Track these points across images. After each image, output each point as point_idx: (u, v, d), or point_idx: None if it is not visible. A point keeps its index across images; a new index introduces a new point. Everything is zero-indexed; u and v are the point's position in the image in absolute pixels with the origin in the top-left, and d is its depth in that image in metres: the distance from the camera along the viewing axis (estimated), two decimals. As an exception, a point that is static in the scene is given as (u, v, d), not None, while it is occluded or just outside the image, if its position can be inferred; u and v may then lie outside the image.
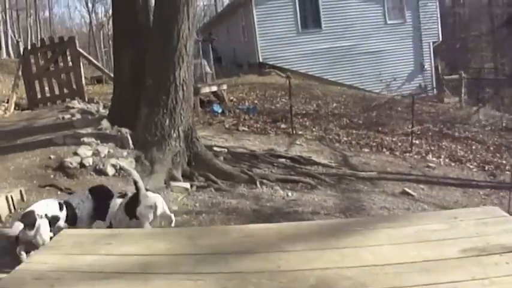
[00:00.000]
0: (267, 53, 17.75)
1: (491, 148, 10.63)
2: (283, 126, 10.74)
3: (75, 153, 5.74)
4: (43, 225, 3.24)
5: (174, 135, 5.98)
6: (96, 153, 5.77)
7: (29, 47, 10.70)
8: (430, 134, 11.34)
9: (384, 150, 9.59)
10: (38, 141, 6.55)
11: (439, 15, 19.27)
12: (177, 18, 5.87)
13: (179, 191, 5.34)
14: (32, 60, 10.28)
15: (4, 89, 15.64)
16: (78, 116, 7.73)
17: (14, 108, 10.11)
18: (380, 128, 11.50)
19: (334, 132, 10.77)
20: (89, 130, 6.64)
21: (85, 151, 5.80)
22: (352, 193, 6.17)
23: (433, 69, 19.46)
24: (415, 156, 9.33)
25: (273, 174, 6.49)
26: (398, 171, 7.79)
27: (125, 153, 5.83)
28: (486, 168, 8.91)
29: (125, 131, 6.59)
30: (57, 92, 10.35)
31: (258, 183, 5.86)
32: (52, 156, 5.77)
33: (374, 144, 9.96)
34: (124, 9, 6.80)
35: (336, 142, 9.92)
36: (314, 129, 10.91)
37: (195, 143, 6.24)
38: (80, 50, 10.23)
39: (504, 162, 9.43)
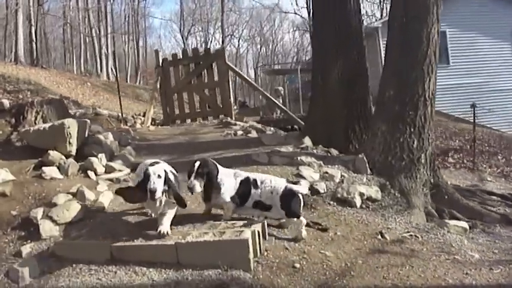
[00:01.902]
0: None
1: None
2: (450, 160, 9.60)
3: (298, 175, 4.55)
4: None
5: (423, 160, 4.68)
6: (326, 177, 4.54)
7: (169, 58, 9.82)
8: None
9: None
10: (230, 157, 5.42)
11: None
12: (427, 19, 4.79)
13: (458, 232, 3.98)
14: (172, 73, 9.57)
15: (116, 107, 15.28)
16: (254, 132, 6.62)
17: (151, 123, 9.26)
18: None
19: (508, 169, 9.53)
20: (290, 148, 5.48)
21: (310, 173, 4.59)
22: None
23: None
24: None
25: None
26: None
27: (364, 179, 4.55)
28: None
29: (335, 152, 5.40)
30: (197, 109, 9.50)
31: None
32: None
33: None
34: (332, 11, 5.93)
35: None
36: (484, 165, 9.66)
37: (436, 172, 4.92)
38: (230, 63, 9.29)
39: None
